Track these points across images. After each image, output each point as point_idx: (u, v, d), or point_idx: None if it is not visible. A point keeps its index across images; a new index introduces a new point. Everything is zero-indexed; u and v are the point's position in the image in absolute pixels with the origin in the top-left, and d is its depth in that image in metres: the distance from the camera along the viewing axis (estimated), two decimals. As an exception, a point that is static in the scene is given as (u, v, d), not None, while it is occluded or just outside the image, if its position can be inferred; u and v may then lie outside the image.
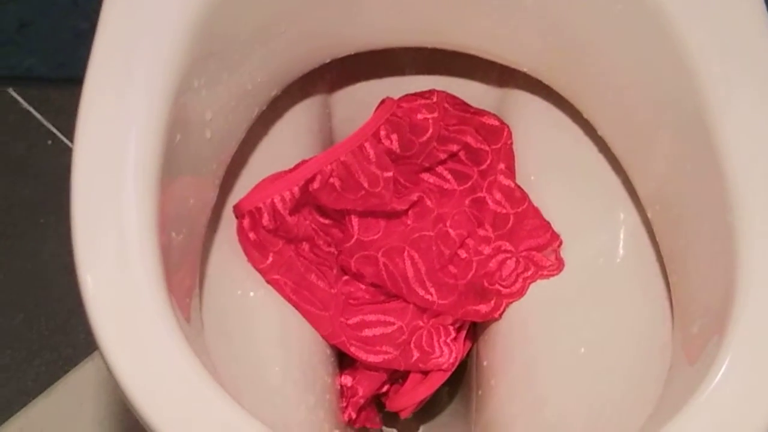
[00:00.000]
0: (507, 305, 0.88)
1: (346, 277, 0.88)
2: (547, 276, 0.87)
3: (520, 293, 0.88)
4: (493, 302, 0.88)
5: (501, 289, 0.88)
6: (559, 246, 0.87)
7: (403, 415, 0.91)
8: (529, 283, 0.88)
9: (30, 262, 1.21)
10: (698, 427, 0.56)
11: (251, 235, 0.80)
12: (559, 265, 0.87)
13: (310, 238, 0.85)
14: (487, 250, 0.89)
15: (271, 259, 0.81)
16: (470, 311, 0.88)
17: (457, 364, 0.89)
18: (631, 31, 0.71)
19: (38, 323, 1.18)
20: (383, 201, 0.85)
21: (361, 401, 0.88)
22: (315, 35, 0.79)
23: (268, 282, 0.82)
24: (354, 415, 0.88)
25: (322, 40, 0.80)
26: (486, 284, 0.88)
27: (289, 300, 0.82)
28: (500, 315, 0.88)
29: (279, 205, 0.80)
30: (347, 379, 0.89)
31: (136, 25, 0.64)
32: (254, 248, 0.81)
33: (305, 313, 0.83)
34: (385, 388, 0.92)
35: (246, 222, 0.80)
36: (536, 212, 0.88)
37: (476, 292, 0.88)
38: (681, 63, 0.66)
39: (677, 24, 0.67)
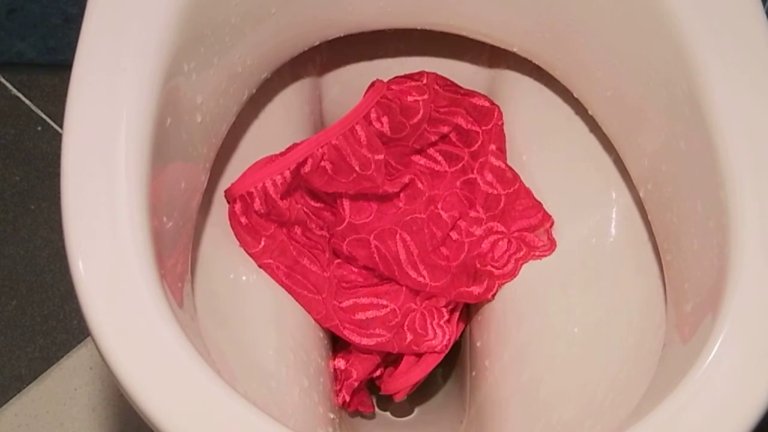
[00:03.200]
0: (500, 286, 0.88)
1: (338, 261, 0.88)
2: (540, 256, 0.87)
3: (513, 274, 0.88)
4: (485, 283, 0.88)
5: (493, 270, 0.88)
6: (551, 226, 0.87)
7: (398, 398, 0.91)
8: (522, 264, 0.88)
9: (22, 249, 1.21)
10: (693, 406, 0.56)
11: (243, 219, 0.80)
12: (551, 246, 0.87)
13: (302, 221, 0.85)
14: (478, 231, 0.89)
15: (263, 243, 0.81)
16: (463, 293, 0.88)
17: (450, 345, 0.89)
18: (623, 9, 0.70)
19: (31, 309, 1.18)
20: (375, 184, 0.85)
21: (356, 384, 0.88)
22: (305, 17, 0.78)
23: (260, 266, 0.82)
24: (348, 398, 0.88)
25: (311, 21, 0.80)
26: (478, 265, 0.88)
27: (282, 284, 0.82)
28: (493, 296, 0.88)
29: (270, 190, 0.80)
30: (341, 362, 0.89)
31: (125, 8, 0.63)
32: (246, 233, 0.81)
33: (298, 297, 0.83)
34: (378, 372, 0.92)
35: (237, 207, 0.80)
36: (528, 192, 0.88)
37: (469, 274, 0.88)
38: (674, 41, 0.66)
39: (670, 2, 0.67)
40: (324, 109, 0.96)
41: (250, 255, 0.81)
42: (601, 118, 0.79)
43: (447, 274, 0.87)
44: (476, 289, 0.88)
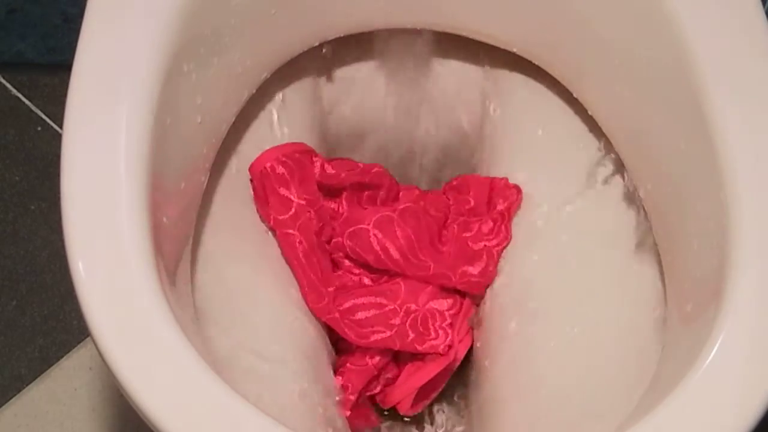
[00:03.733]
0: (499, 255, 0.88)
1: (339, 272, 0.88)
2: (518, 204, 0.88)
3: (507, 236, 0.88)
4: (484, 258, 0.88)
5: (487, 242, 0.88)
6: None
7: (401, 409, 0.90)
8: (510, 224, 0.88)
9: (22, 249, 1.21)
10: (693, 406, 0.56)
11: (277, 186, 0.82)
12: (517, 191, 0.88)
13: (325, 219, 0.86)
14: (462, 219, 0.90)
15: (293, 210, 0.82)
16: (466, 273, 0.87)
17: (455, 351, 0.88)
18: (623, 10, 0.71)
19: (31, 310, 1.18)
20: (379, 180, 0.88)
21: (352, 398, 0.88)
22: (305, 17, 0.78)
23: (280, 236, 0.82)
24: (348, 415, 0.88)
25: (311, 22, 0.80)
26: (471, 245, 0.88)
27: (296, 261, 0.83)
28: (496, 268, 0.88)
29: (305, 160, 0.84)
30: (338, 380, 0.88)
31: (125, 8, 0.63)
32: (277, 198, 0.82)
33: (305, 280, 0.83)
34: (378, 389, 0.91)
35: (270, 167, 0.82)
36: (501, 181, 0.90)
37: (466, 257, 0.88)
38: (674, 41, 0.66)
39: (670, 2, 0.67)
40: (324, 110, 0.96)
41: (275, 223, 0.82)
42: (600, 118, 0.79)
43: (448, 259, 0.87)
44: (477, 267, 0.87)
